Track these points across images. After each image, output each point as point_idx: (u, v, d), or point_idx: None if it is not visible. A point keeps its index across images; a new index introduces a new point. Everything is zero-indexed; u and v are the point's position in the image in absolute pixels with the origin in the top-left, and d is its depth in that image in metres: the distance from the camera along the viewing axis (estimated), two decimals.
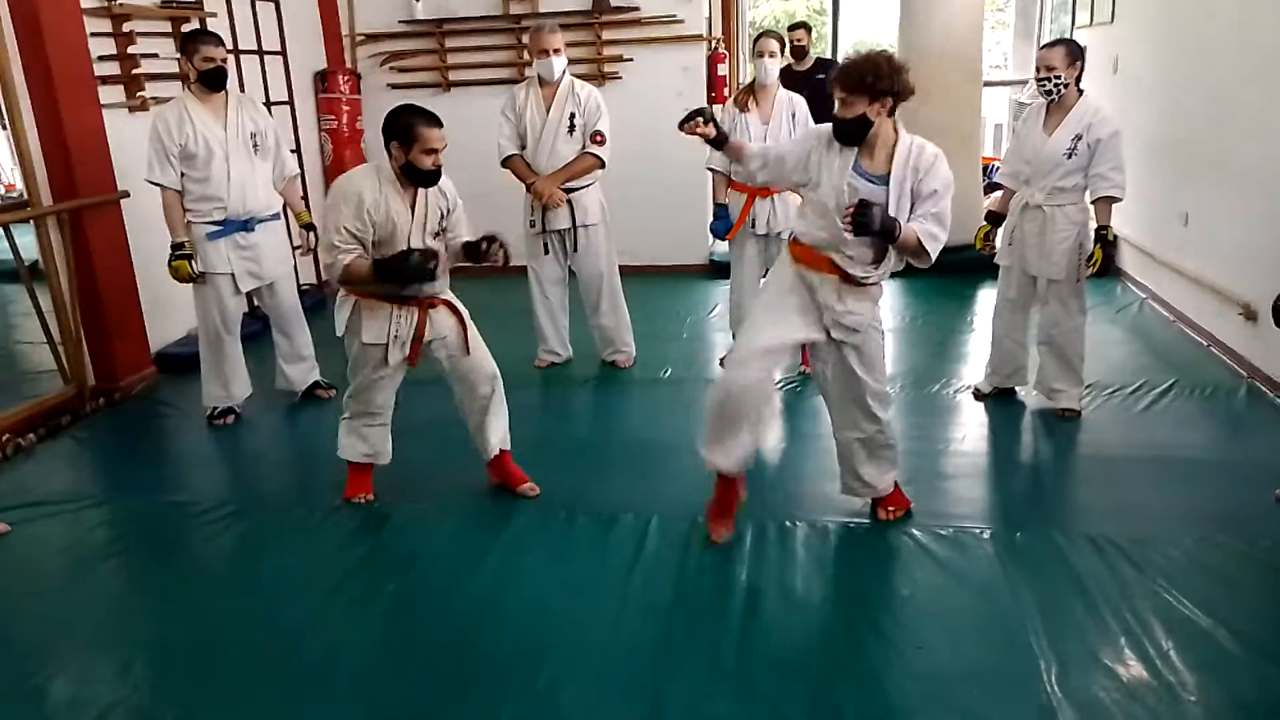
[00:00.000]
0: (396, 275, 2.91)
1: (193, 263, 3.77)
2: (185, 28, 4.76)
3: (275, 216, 4.03)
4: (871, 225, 2.48)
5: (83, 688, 2.41)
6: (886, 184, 2.61)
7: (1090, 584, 2.65)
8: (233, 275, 3.89)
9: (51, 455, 3.86)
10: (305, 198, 5.43)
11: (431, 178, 2.94)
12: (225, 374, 4.03)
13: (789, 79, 4.80)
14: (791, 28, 6.40)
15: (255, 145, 3.88)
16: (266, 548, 3.10)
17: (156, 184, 3.75)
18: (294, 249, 4.41)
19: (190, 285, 3.86)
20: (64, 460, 3.84)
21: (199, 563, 3.08)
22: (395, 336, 3.05)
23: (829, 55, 8.36)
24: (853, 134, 2.61)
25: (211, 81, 3.75)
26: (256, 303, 4.37)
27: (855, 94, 2.53)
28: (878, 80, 2.50)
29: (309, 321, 4.31)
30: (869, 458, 2.95)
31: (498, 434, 3.30)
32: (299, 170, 4.55)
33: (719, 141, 2.87)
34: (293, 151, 4.91)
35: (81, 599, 2.82)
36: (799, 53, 6.07)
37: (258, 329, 4.67)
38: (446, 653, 2.48)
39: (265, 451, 3.95)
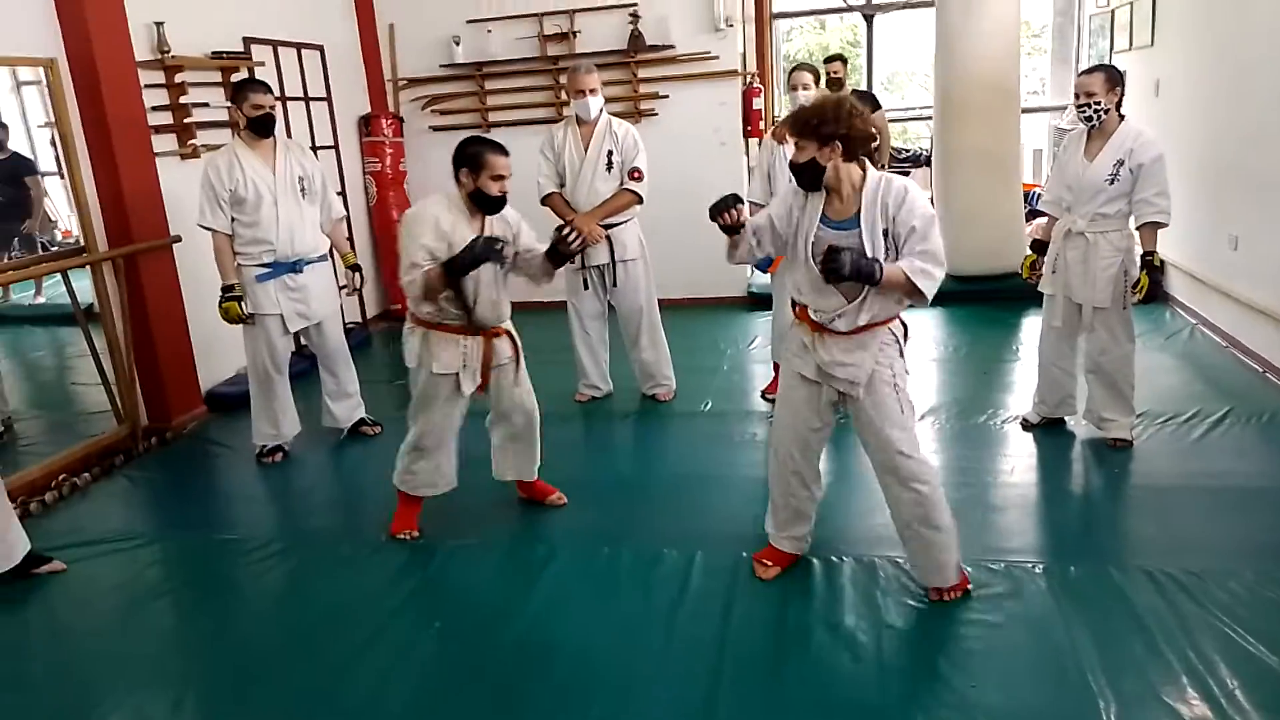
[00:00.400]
0: (466, 261, 2.92)
1: (242, 304, 3.86)
2: (235, 77, 4.91)
3: (323, 258, 4.11)
4: (842, 270, 2.44)
5: None
6: (855, 227, 2.58)
7: (1149, 619, 2.58)
8: (281, 316, 3.97)
9: (106, 494, 3.95)
10: (350, 239, 5.54)
11: (498, 204, 3.09)
12: (275, 412, 4.11)
13: None
14: (828, 60, 6.45)
15: (303, 189, 3.98)
16: (314, 584, 3.13)
17: (208, 228, 3.85)
18: (340, 289, 4.50)
19: (240, 326, 3.94)
20: (118, 499, 3.92)
21: (248, 600, 3.12)
22: (465, 365, 3.14)
23: (864, 87, 8.40)
24: (805, 177, 2.61)
25: (260, 128, 3.86)
26: (304, 342, 4.45)
27: (803, 138, 2.57)
28: (821, 125, 2.51)
29: (354, 359, 4.39)
30: (917, 540, 2.72)
31: (531, 462, 3.46)
32: (345, 212, 4.65)
33: (733, 229, 2.77)
34: (338, 194, 5.00)
35: (134, 636, 2.87)
36: (835, 84, 6.10)
37: (305, 368, 4.75)
38: (492, 691, 2.49)
39: (312, 489, 4.00)
